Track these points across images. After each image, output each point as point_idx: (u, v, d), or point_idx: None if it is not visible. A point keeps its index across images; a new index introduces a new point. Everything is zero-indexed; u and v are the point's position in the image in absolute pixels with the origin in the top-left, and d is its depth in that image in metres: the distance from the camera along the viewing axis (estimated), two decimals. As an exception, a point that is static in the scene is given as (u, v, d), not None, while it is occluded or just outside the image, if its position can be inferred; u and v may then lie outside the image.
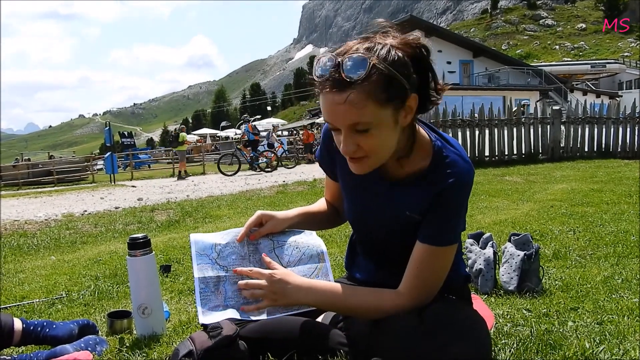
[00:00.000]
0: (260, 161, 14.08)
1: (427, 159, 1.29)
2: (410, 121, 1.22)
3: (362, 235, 1.51)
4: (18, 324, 1.66)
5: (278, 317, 1.37)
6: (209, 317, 1.32)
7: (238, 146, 14.23)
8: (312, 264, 1.43)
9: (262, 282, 1.33)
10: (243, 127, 14.46)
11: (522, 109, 10.73)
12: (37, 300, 2.44)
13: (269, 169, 13.82)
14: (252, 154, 13.98)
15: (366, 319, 1.34)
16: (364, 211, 1.42)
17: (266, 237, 1.45)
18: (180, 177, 14.65)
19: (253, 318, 1.35)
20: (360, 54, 1.12)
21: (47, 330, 1.70)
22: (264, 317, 1.36)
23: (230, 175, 12.98)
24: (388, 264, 1.42)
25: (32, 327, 1.68)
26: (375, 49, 1.14)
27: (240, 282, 1.36)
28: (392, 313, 1.29)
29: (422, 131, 1.31)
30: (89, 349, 1.59)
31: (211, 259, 1.38)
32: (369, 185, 1.38)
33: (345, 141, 1.19)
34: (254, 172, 13.69)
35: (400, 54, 1.15)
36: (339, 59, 1.13)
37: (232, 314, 1.33)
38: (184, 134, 16.04)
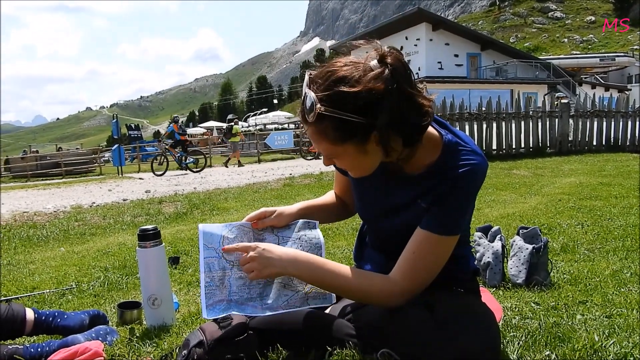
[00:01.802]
0: (188, 161, 14.58)
1: (436, 153, 1.28)
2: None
3: (372, 228, 1.51)
4: (30, 314, 1.68)
5: (283, 312, 1.37)
6: (212, 313, 1.32)
7: (166, 146, 14.75)
8: None
9: (249, 254, 1.34)
10: (170, 126, 15.14)
11: (559, 100, 10.59)
12: (48, 290, 2.46)
13: (197, 169, 14.29)
14: (179, 154, 14.50)
15: (355, 300, 1.36)
16: (373, 204, 1.42)
17: (271, 233, 1.46)
18: (240, 165, 15.86)
19: (258, 315, 1.36)
20: (312, 97, 1.15)
21: (59, 320, 1.72)
22: (269, 313, 1.37)
23: (160, 175, 13.49)
24: (397, 255, 1.42)
25: (43, 317, 1.70)
26: (340, 83, 1.13)
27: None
28: (380, 298, 1.29)
29: (430, 128, 1.29)
30: (100, 338, 1.61)
31: (218, 253, 1.39)
32: (380, 179, 1.38)
33: (323, 158, 1.28)
34: (183, 172, 14.15)
35: (368, 88, 1.12)
36: (307, 92, 1.17)
37: (236, 311, 1.34)
38: (237, 126, 17.10)
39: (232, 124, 17.22)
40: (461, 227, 1.31)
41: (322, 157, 1.29)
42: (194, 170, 14.16)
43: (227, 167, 15.94)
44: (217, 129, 44.16)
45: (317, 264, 1.33)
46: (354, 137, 1.16)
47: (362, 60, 1.17)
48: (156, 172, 13.82)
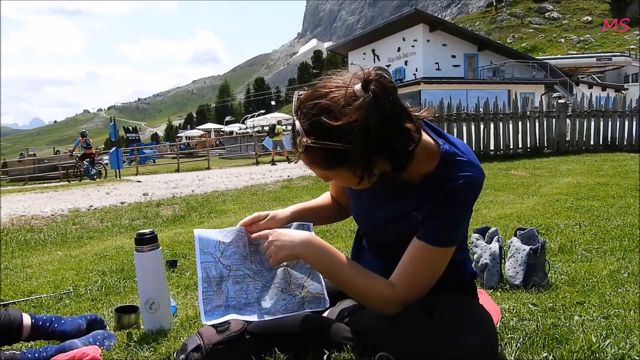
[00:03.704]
0: (93, 172, 16.19)
1: (433, 163, 1.28)
2: (382, 170, 1.21)
3: (368, 233, 1.51)
4: (27, 319, 1.68)
5: (281, 317, 1.38)
6: (210, 319, 1.33)
7: (76, 158, 16.66)
8: (307, 268, 1.45)
9: (269, 239, 1.38)
10: (77, 141, 17.06)
11: (557, 100, 10.63)
12: (45, 295, 2.45)
13: (100, 179, 15.75)
14: (85, 166, 16.21)
15: (352, 296, 1.36)
16: (369, 211, 1.42)
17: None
18: (274, 163, 17.13)
19: (255, 319, 1.36)
20: (299, 129, 1.15)
21: (56, 325, 1.71)
22: (267, 318, 1.37)
23: (76, 182, 14.93)
24: (394, 260, 1.42)
25: (40, 322, 1.69)
26: (325, 113, 1.13)
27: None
28: (376, 301, 1.30)
29: (427, 137, 1.29)
30: (97, 343, 1.60)
31: (214, 258, 1.39)
32: (376, 188, 1.37)
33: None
34: (92, 181, 15.24)
35: (350, 122, 1.11)
36: (295, 122, 1.18)
37: (234, 316, 1.34)
38: (279, 126, 18.81)
39: (275, 123, 19.09)
40: (457, 238, 1.30)
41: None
42: (97, 179, 15.57)
43: (274, 164, 16.95)
44: (214, 131, 44.14)
45: (327, 250, 1.34)
46: (345, 163, 1.16)
47: (348, 82, 1.15)
48: (71, 181, 15.89)
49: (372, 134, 1.12)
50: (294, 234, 1.36)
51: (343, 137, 1.12)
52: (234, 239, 1.43)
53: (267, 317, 1.36)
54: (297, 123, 1.16)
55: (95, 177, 15.97)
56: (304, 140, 1.14)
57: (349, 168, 1.18)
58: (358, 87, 1.14)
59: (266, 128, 36.07)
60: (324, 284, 1.45)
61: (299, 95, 1.21)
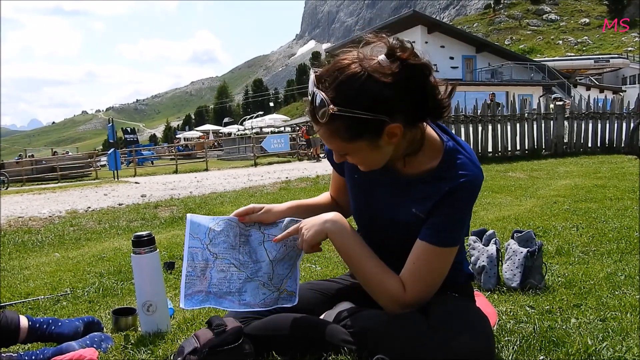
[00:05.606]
0: None
1: (436, 159, 1.29)
2: (398, 141, 1.21)
3: (366, 232, 1.51)
4: (24, 321, 1.67)
5: (276, 315, 1.38)
6: (189, 303, 1.35)
7: None
8: (289, 265, 1.45)
9: (299, 230, 1.39)
10: None
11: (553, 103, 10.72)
12: (42, 297, 2.45)
13: (4, 187, 17.19)
14: None
15: (362, 283, 1.36)
16: (370, 206, 1.42)
17: (257, 229, 1.46)
18: (318, 159, 18.32)
19: (235, 309, 1.38)
20: (322, 97, 1.14)
21: (53, 327, 1.71)
22: (244, 309, 1.39)
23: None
24: (391, 261, 1.42)
25: (37, 325, 1.69)
26: (350, 81, 1.13)
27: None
28: (384, 296, 1.30)
29: (433, 132, 1.30)
30: (95, 345, 1.60)
31: (203, 244, 1.40)
32: (377, 181, 1.38)
33: (335, 155, 1.29)
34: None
35: (379, 85, 1.12)
36: (316, 92, 1.16)
37: (213, 303, 1.37)
38: None
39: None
40: (459, 238, 1.31)
41: (323, 155, 1.29)
42: (3, 188, 16.81)
43: (318, 159, 18.09)
44: (213, 133, 44.13)
45: (351, 232, 1.36)
46: (366, 134, 1.17)
47: (369, 55, 1.16)
48: None
49: (401, 102, 1.15)
50: (321, 215, 1.38)
51: (369, 105, 1.13)
52: (225, 228, 1.44)
53: (245, 309, 1.39)
54: (321, 93, 1.15)
55: (0, 185, 17.49)
56: (330, 107, 1.13)
57: (370, 139, 1.18)
58: (382, 57, 1.15)
59: (265, 129, 36.19)
60: (298, 283, 1.47)
61: (315, 70, 1.20)
